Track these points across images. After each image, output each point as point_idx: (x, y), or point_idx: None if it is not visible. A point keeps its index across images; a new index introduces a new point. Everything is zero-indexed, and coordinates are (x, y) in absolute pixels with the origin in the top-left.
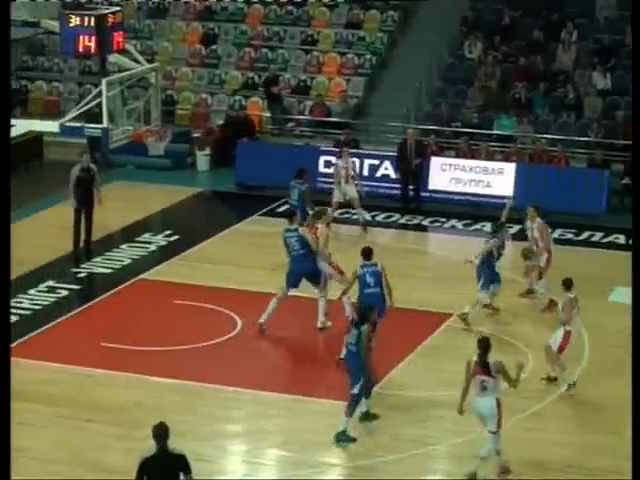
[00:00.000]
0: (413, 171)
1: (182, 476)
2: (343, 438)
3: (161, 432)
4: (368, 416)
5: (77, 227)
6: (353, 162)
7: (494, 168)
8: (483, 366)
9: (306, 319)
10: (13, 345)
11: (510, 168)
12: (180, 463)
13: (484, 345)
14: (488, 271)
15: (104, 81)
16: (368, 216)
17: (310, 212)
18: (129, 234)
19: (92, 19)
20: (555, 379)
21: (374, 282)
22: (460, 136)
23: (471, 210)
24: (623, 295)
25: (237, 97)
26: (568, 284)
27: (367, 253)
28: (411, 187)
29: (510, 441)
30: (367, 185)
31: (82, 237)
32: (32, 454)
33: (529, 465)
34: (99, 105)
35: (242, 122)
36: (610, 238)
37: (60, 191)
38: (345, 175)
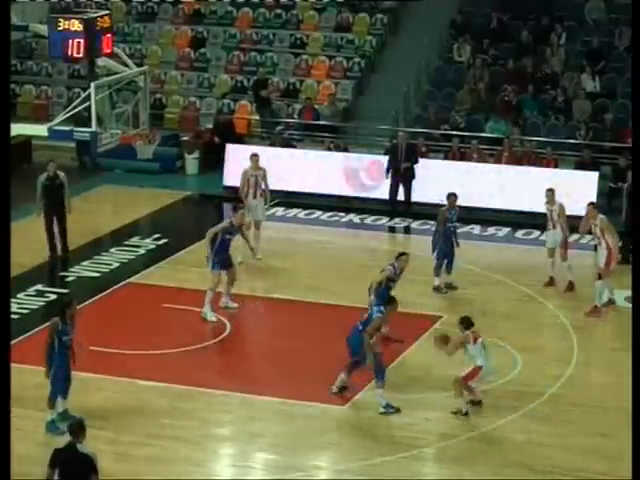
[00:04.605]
0: (402, 174)
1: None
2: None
3: (74, 429)
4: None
5: (50, 231)
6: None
7: (483, 170)
8: None
9: (295, 322)
10: None
11: (499, 170)
12: (87, 463)
13: None
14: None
15: (93, 85)
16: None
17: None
18: (117, 238)
19: (81, 23)
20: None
21: None
22: (449, 139)
23: (460, 213)
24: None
25: (226, 100)
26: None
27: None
28: (400, 190)
29: (498, 442)
30: None
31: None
32: (20, 459)
33: (515, 466)
34: (88, 109)
35: (225, 126)
36: None
37: None
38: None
